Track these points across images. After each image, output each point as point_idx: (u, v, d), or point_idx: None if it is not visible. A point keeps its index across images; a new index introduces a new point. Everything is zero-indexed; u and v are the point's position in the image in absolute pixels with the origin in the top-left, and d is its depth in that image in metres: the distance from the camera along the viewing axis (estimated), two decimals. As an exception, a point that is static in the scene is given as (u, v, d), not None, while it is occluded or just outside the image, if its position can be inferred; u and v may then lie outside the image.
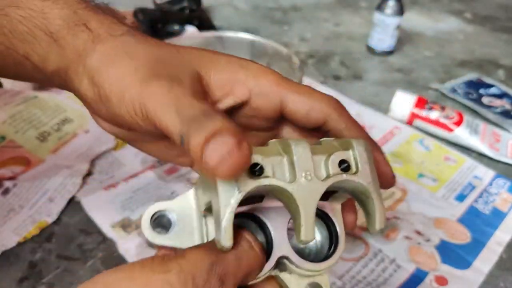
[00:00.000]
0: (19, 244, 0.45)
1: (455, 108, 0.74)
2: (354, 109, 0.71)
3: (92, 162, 0.55)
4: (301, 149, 0.23)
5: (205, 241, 0.27)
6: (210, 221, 0.27)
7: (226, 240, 0.22)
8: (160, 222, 0.27)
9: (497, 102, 0.76)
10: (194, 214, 0.27)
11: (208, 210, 0.25)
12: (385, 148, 0.63)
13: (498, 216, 0.53)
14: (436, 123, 0.66)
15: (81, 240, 0.46)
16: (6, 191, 0.49)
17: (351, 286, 0.43)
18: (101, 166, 0.55)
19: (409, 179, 0.58)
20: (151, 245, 0.28)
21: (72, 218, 0.48)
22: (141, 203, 0.50)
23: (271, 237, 0.25)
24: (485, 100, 0.77)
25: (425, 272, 0.45)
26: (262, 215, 0.26)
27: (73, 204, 0.50)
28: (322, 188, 0.23)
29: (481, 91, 0.79)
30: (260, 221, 0.26)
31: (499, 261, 0.48)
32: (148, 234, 0.26)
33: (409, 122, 0.68)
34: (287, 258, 0.25)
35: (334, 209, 0.27)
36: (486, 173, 0.59)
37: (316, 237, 0.28)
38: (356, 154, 0.24)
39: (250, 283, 0.25)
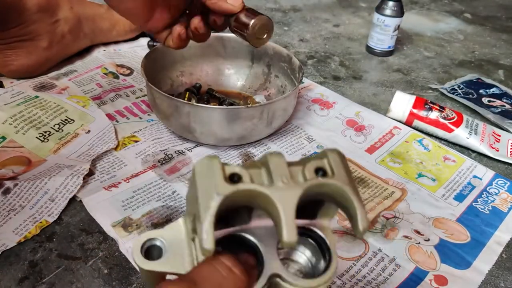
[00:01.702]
0: (20, 244, 0.45)
1: (455, 108, 0.74)
2: (354, 109, 0.71)
3: (93, 162, 0.55)
4: (276, 159, 0.25)
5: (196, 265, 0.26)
6: (199, 245, 0.27)
7: (208, 242, 0.22)
8: (151, 249, 0.27)
9: (497, 102, 0.76)
10: (184, 240, 0.27)
11: (195, 231, 0.25)
12: (385, 148, 0.63)
13: (498, 216, 0.53)
14: (436, 123, 0.66)
15: (82, 239, 0.46)
16: (7, 191, 0.49)
17: (351, 285, 0.43)
18: (102, 166, 0.55)
19: (408, 179, 0.58)
20: (143, 275, 0.27)
21: (73, 218, 0.48)
22: (142, 203, 0.50)
23: (262, 256, 0.26)
24: (485, 100, 0.77)
25: (424, 272, 0.45)
26: (250, 234, 0.26)
27: (74, 203, 0.50)
28: (299, 189, 0.24)
29: (481, 91, 0.80)
30: (249, 241, 0.26)
31: (499, 260, 0.48)
32: (138, 260, 0.26)
33: (409, 122, 0.68)
34: (279, 276, 0.25)
35: (324, 227, 0.28)
36: (485, 173, 0.60)
37: (307, 254, 0.28)
38: (331, 161, 0.25)
39: None
